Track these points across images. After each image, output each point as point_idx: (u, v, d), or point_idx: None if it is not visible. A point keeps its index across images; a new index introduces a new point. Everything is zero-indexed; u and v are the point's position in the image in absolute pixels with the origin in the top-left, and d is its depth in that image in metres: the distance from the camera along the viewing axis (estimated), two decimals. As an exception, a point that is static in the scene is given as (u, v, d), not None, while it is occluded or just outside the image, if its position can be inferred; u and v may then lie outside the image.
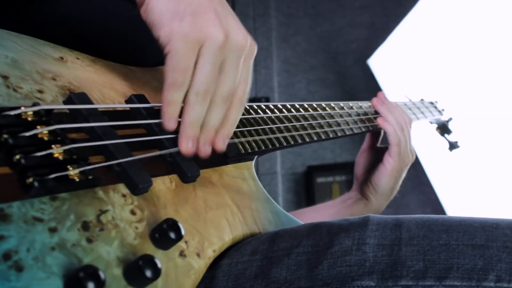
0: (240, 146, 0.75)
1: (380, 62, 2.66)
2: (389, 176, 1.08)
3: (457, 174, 2.26)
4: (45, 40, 0.68)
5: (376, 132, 1.15)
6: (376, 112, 1.12)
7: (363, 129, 1.08)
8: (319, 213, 1.15)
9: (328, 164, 2.79)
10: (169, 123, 0.63)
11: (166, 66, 0.61)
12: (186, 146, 0.63)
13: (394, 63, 2.58)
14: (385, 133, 1.10)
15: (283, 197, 2.68)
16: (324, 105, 1.00)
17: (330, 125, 0.96)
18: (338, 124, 0.99)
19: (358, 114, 1.09)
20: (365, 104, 1.14)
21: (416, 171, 2.55)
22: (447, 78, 2.26)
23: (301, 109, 0.93)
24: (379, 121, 1.10)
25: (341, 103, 1.07)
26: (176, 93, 0.62)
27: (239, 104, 0.67)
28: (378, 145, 1.17)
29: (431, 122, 1.54)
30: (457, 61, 2.29)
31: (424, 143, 2.25)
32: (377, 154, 1.14)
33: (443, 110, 1.55)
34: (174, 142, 0.65)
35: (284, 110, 0.88)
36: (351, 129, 1.03)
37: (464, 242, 0.59)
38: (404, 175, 1.13)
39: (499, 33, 2.13)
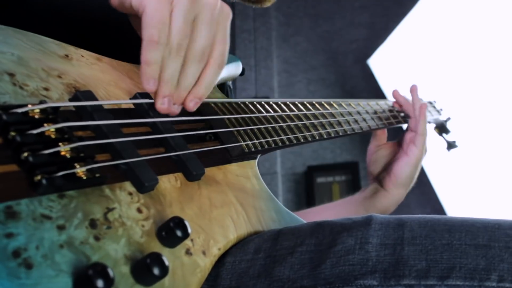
0: (244, 145, 0.75)
1: (380, 62, 2.66)
2: (412, 165, 1.15)
3: (457, 174, 2.27)
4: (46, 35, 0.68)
5: (382, 130, 1.21)
6: (390, 111, 1.20)
7: (380, 126, 1.13)
8: (334, 211, 1.17)
9: (328, 164, 2.80)
10: (148, 83, 0.61)
11: (142, 25, 0.60)
12: (161, 103, 0.63)
13: (394, 63, 2.58)
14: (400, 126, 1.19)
15: (283, 197, 2.68)
16: (325, 104, 1.00)
17: (332, 125, 0.96)
18: (340, 124, 0.99)
19: (367, 112, 1.11)
20: (372, 102, 1.17)
21: None
22: (447, 78, 2.26)
23: (309, 106, 0.93)
24: (422, 108, 1.20)
25: (345, 101, 1.07)
26: (154, 51, 0.60)
27: (215, 65, 0.65)
28: (386, 141, 1.23)
29: (429, 122, 1.54)
30: (457, 61, 2.29)
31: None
32: (391, 148, 1.21)
33: (441, 109, 1.56)
34: (180, 140, 0.65)
35: (287, 109, 0.89)
36: (353, 128, 1.03)
37: (466, 242, 0.59)
38: (418, 169, 1.20)
39: (499, 33, 2.13)
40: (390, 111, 1.24)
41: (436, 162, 2.38)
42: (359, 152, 2.89)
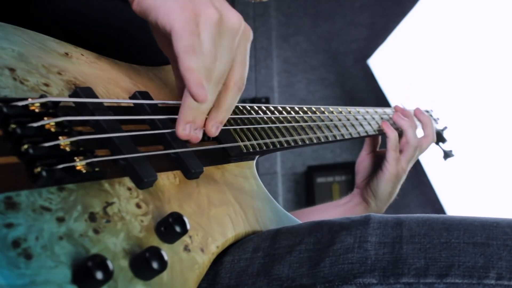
0: (242, 145, 0.75)
1: (380, 62, 2.66)
2: (387, 181, 1.12)
3: (457, 174, 2.27)
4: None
5: (374, 137, 1.17)
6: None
7: (362, 134, 1.09)
8: (320, 214, 1.16)
9: (328, 164, 2.79)
10: (198, 89, 0.59)
11: (173, 39, 0.59)
12: (182, 129, 0.63)
13: (394, 63, 2.58)
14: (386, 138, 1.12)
15: (283, 197, 2.68)
16: (323, 109, 1.01)
17: (329, 129, 0.97)
18: (337, 127, 1.00)
19: (365, 119, 1.11)
20: (370, 110, 1.16)
21: (416, 171, 2.55)
22: (447, 78, 2.27)
23: (307, 111, 0.93)
24: (384, 126, 1.13)
25: (346, 108, 1.08)
26: (193, 58, 0.59)
27: (235, 88, 0.65)
28: (377, 149, 1.20)
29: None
30: (457, 60, 2.29)
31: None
32: (377, 159, 1.17)
33: (438, 119, 1.57)
34: (179, 139, 0.66)
35: (286, 112, 0.89)
36: (350, 134, 1.04)
37: (465, 240, 0.60)
38: (402, 181, 1.15)
39: (499, 33, 2.14)
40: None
41: (436, 162, 2.38)
42: (359, 152, 2.87)
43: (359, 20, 2.88)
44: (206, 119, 0.66)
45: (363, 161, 1.20)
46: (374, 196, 1.14)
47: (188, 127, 0.63)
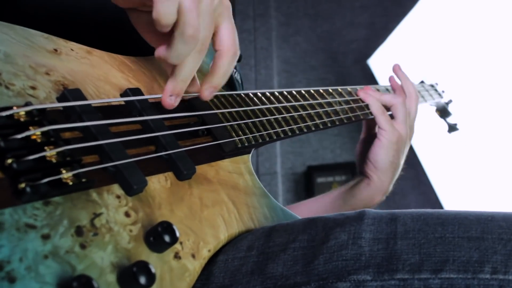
0: (237, 140, 0.74)
1: (380, 62, 2.64)
2: (385, 148, 1.06)
3: (457, 174, 2.27)
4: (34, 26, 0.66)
5: (371, 120, 1.13)
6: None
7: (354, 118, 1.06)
8: (320, 202, 1.15)
9: (328, 164, 2.78)
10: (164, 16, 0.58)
11: (154, 6, 0.57)
12: (170, 99, 0.64)
13: (394, 63, 2.56)
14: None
15: (283, 197, 2.69)
16: (322, 91, 0.99)
17: (329, 114, 0.95)
18: (337, 113, 0.98)
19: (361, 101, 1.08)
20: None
21: (416, 171, 2.54)
22: (447, 77, 2.25)
23: (298, 97, 0.91)
24: (360, 93, 1.10)
25: (339, 88, 1.05)
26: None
27: (229, 54, 0.66)
28: (376, 130, 1.15)
29: (430, 105, 1.53)
30: (457, 60, 2.28)
31: (424, 143, 2.25)
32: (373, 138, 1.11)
33: (443, 92, 1.54)
34: (171, 138, 0.64)
35: (282, 98, 0.87)
36: (342, 118, 1.02)
37: (459, 235, 0.59)
38: (405, 150, 1.11)
39: (499, 33, 2.12)
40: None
41: (436, 162, 2.38)
42: None
43: (359, 20, 2.83)
44: (201, 83, 0.67)
45: (362, 143, 1.16)
46: (374, 167, 1.07)
47: (174, 98, 0.64)
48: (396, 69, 1.22)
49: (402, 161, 1.12)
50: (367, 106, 1.08)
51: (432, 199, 2.46)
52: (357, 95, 1.10)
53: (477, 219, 0.61)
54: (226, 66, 0.66)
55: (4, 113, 0.51)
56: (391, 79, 1.21)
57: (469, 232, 0.59)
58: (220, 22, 0.66)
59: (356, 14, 2.85)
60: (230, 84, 1.02)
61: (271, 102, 0.84)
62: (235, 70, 1.08)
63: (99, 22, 0.78)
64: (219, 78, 0.67)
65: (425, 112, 1.53)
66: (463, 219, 0.61)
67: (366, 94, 1.10)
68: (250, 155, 0.77)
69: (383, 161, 1.06)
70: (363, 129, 1.17)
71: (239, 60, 1.03)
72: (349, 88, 1.09)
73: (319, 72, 2.87)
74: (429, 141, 2.23)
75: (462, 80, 2.19)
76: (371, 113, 1.07)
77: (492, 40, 2.15)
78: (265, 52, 2.82)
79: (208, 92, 0.67)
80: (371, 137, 1.13)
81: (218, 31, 0.66)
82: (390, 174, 1.09)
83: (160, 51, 0.62)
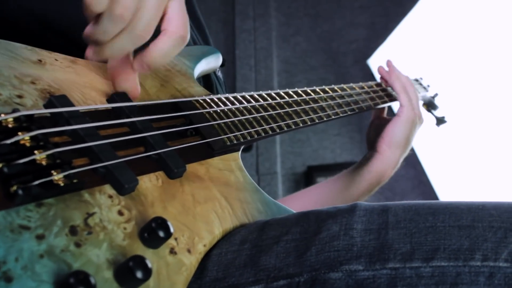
0: (225, 138, 0.75)
1: (380, 62, 2.67)
2: (403, 123, 1.18)
3: (457, 174, 2.29)
4: (21, 38, 0.67)
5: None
6: (375, 92, 1.22)
7: (366, 107, 1.14)
8: (323, 187, 1.21)
9: (328, 164, 2.80)
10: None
11: None
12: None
13: (394, 63, 2.57)
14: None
15: (283, 197, 2.71)
16: (308, 91, 1.00)
17: (315, 111, 0.96)
18: (323, 109, 0.99)
19: (351, 95, 1.11)
20: (358, 85, 1.18)
21: (416, 171, 2.56)
22: (447, 78, 2.27)
23: (285, 96, 0.93)
24: (383, 72, 1.28)
25: (329, 87, 1.07)
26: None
27: (173, 36, 0.65)
28: (385, 115, 1.29)
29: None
30: (457, 60, 2.30)
31: (424, 143, 2.26)
32: (385, 121, 1.24)
33: (428, 86, 1.56)
34: (159, 138, 0.65)
35: (269, 98, 0.88)
36: (337, 112, 1.03)
37: (450, 224, 0.60)
38: (415, 132, 1.23)
39: (499, 33, 2.14)
40: (376, 91, 1.24)
41: (436, 162, 2.39)
42: (359, 152, 2.90)
43: (359, 20, 2.86)
44: (135, 56, 0.67)
45: (373, 124, 1.28)
46: (390, 141, 1.18)
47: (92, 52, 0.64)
48: (389, 64, 1.34)
49: (413, 141, 1.23)
50: (354, 102, 1.11)
51: (432, 199, 2.47)
52: (374, 86, 1.25)
53: (468, 208, 0.61)
54: (167, 46, 0.65)
55: (-9, 121, 0.51)
56: (379, 68, 1.34)
57: (460, 220, 0.60)
58: (169, 5, 0.65)
59: (356, 14, 2.87)
60: (207, 82, 1.03)
61: (256, 101, 0.85)
62: (218, 69, 1.09)
63: (69, 26, 0.79)
64: (154, 57, 0.65)
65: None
66: (454, 208, 0.62)
67: (391, 73, 1.27)
68: (240, 152, 0.78)
69: (399, 136, 1.18)
70: (373, 114, 1.30)
71: (222, 65, 1.04)
72: (335, 86, 1.10)
73: (319, 72, 2.90)
74: (429, 141, 2.24)
75: (462, 80, 2.21)
76: (372, 106, 1.18)
77: (491, 39, 2.17)
78: (265, 52, 2.84)
79: (136, 65, 0.66)
80: (380, 121, 1.27)
81: (166, 12, 0.65)
82: (403, 149, 1.20)
83: (87, 29, 0.62)
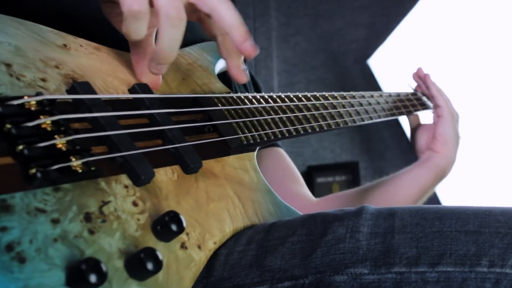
0: (243, 137, 0.75)
1: (380, 62, 2.66)
2: (449, 121, 1.28)
3: (457, 174, 2.28)
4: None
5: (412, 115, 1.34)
6: (401, 100, 1.28)
7: (383, 116, 1.17)
8: (395, 184, 1.26)
9: (328, 164, 2.80)
10: None
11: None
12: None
13: (394, 63, 2.58)
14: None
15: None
16: (327, 95, 1.00)
17: (332, 116, 0.96)
18: (341, 115, 0.99)
19: (370, 104, 1.11)
20: (376, 94, 1.18)
21: None
22: (447, 78, 2.27)
23: (311, 97, 0.93)
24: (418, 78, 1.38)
25: (348, 94, 1.07)
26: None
27: (163, 17, 0.63)
28: (421, 122, 1.36)
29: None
30: (457, 60, 2.29)
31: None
32: (428, 126, 1.33)
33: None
34: (178, 132, 0.65)
35: (287, 99, 0.88)
36: (354, 120, 1.03)
37: (457, 229, 0.60)
38: (459, 126, 1.32)
39: (499, 33, 2.13)
40: (402, 100, 1.26)
41: None
42: (359, 152, 2.90)
43: (359, 20, 2.85)
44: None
45: (417, 132, 1.34)
46: (444, 141, 1.26)
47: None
48: (420, 71, 1.41)
49: (459, 135, 1.31)
50: (370, 110, 1.10)
51: (432, 198, 2.47)
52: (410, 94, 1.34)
53: (475, 213, 0.61)
54: (166, 33, 0.62)
55: (15, 102, 0.52)
56: (414, 75, 1.43)
57: (467, 226, 0.60)
58: None
59: (356, 14, 2.87)
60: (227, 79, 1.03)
61: (275, 102, 0.85)
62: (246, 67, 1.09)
63: (104, 21, 0.79)
64: (163, 51, 0.64)
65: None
66: (461, 213, 0.62)
67: (426, 78, 1.36)
68: (255, 153, 0.78)
69: (450, 133, 1.27)
70: (410, 123, 1.37)
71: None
72: (353, 93, 1.10)
73: (319, 72, 2.89)
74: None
75: (462, 80, 2.21)
76: (397, 114, 1.24)
77: (491, 39, 2.16)
78: (265, 52, 2.84)
79: (153, 70, 0.66)
80: (421, 127, 1.35)
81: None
82: (456, 144, 1.29)
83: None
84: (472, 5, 2.26)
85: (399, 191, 1.24)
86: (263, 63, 2.82)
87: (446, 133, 1.27)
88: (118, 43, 0.74)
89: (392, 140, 2.86)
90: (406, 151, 2.71)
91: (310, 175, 2.74)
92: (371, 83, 2.70)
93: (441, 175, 1.28)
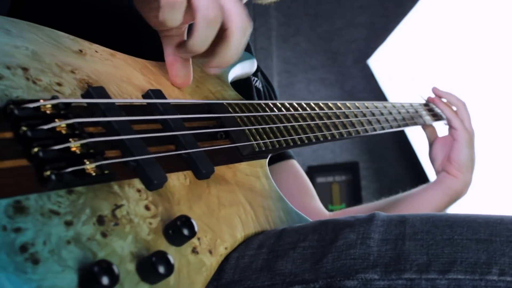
0: (255, 144, 0.75)
1: (380, 62, 2.66)
2: (464, 147, 1.25)
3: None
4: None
5: (430, 127, 1.34)
6: (409, 111, 1.26)
7: (395, 126, 1.16)
8: (417, 199, 1.25)
9: (328, 164, 2.80)
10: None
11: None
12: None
13: (394, 63, 2.58)
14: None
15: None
16: (339, 104, 1.00)
17: (344, 125, 0.96)
18: (353, 124, 0.99)
19: (382, 114, 1.11)
20: (389, 104, 1.18)
21: (417, 171, 2.55)
22: (447, 77, 2.26)
23: (323, 106, 0.93)
24: (432, 100, 1.33)
25: (360, 103, 1.07)
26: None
27: (201, 20, 0.65)
28: (439, 135, 1.34)
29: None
30: (457, 60, 2.29)
31: (423, 143, 2.25)
32: (445, 140, 1.31)
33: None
34: (190, 138, 0.66)
35: (299, 108, 0.88)
36: (366, 129, 1.03)
37: (468, 237, 0.60)
38: (474, 148, 1.29)
39: (499, 33, 2.12)
40: (414, 111, 1.26)
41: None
42: (359, 152, 2.90)
43: (359, 20, 2.86)
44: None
45: (432, 150, 1.32)
46: (459, 165, 1.24)
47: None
48: (435, 90, 1.38)
49: (475, 156, 1.30)
50: (392, 120, 1.12)
51: None
52: (425, 103, 1.33)
53: (486, 221, 0.61)
54: (200, 30, 0.64)
55: (31, 105, 0.52)
56: (429, 98, 1.38)
57: (478, 234, 0.60)
58: None
59: (356, 14, 2.87)
60: (248, 92, 1.04)
61: (288, 110, 0.86)
62: (255, 79, 1.10)
63: (121, 26, 0.80)
64: (191, 44, 0.66)
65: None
66: (472, 221, 0.62)
67: (438, 100, 1.33)
68: (267, 160, 0.78)
69: (465, 159, 1.25)
70: (427, 136, 1.36)
71: (256, 72, 1.05)
72: (366, 103, 1.10)
73: (319, 72, 2.89)
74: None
75: (461, 80, 2.20)
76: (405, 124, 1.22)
77: (491, 39, 2.15)
78: (265, 52, 2.85)
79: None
80: (439, 141, 1.33)
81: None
82: (471, 169, 1.28)
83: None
84: (472, 5, 2.25)
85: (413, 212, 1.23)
86: (263, 63, 2.83)
87: (461, 159, 1.25)
88: (136, 48, 0.75)
89: (392, 140, 2.85)
90: (406, 151, 2.71)
91: (310, 175, 2.73)
92: (371, 83, 2.70)
93: (455, 198, 1.27)
